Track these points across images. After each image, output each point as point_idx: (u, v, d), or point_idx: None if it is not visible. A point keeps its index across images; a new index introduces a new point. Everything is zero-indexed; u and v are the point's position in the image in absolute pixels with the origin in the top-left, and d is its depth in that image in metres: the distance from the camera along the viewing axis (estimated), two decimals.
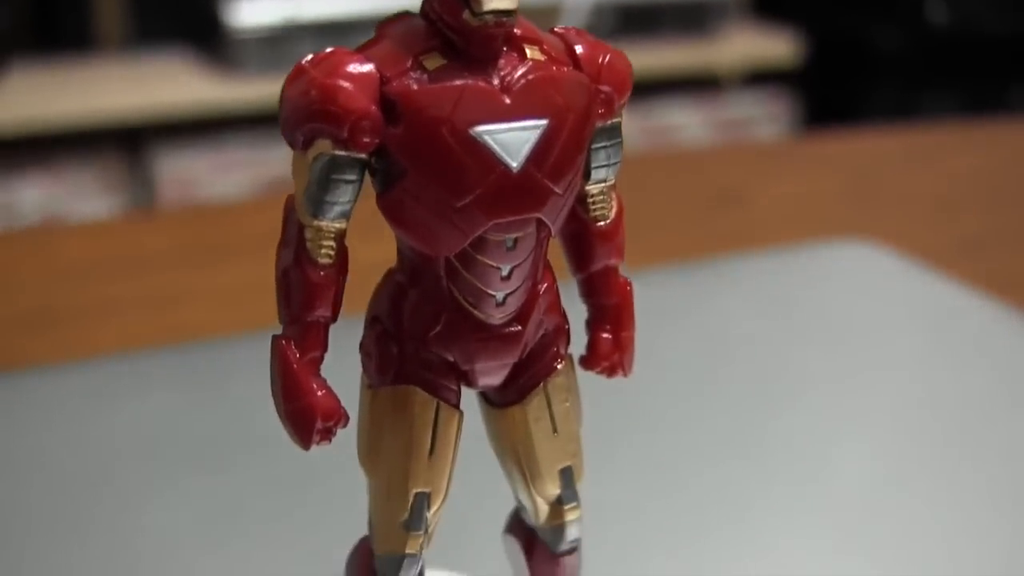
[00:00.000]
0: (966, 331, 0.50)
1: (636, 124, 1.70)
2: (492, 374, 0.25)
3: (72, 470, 0.39)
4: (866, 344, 0.49)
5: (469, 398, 0.26)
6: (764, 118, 1.81)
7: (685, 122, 1.76)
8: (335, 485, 0.31)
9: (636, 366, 0.46)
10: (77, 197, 1.47)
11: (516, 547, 0.28)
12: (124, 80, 1.58)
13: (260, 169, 1.54)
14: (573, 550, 0.28)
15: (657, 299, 0.52)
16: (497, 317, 0.24)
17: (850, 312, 0.52)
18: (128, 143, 1.59)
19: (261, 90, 1.51)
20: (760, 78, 1.85)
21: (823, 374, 0.46)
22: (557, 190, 0.23)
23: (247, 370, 0.44)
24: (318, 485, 0.38)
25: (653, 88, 1.76)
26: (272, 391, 0.24)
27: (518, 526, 0.28)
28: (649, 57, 1.66)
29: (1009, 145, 0.92)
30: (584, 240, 0.26)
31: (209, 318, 0.61)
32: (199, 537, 0.36)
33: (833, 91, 1.86)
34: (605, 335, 0.26)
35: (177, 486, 0.38)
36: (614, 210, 0.26)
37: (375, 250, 0.27)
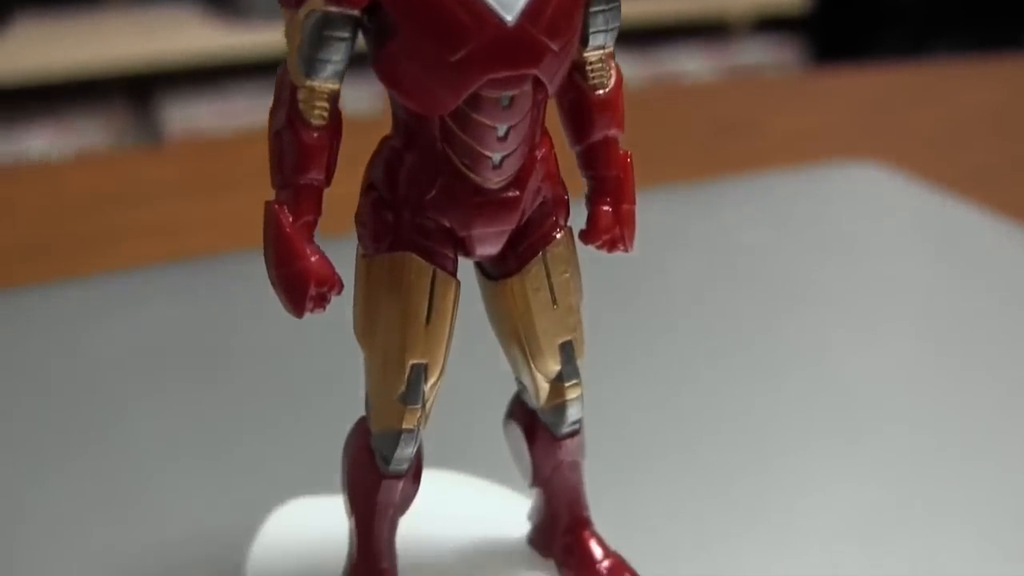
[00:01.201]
0: (975, 248, 0.49)
1: (645, 70, 1.69)
2: (489, 242, 0.25)
3: (70, 379, 0.39)
4: (876, 260, 0.49)
5: (469, 281, 0.26)
6: (772, 64, 1.81)
7: (694, 68, 1.75)
8: (331, 394, 0.31)
9: (645, 279, 0.46)
10: (85, 148, 1.47)
11: (517, 433, 0.28)
12: (131, 29, 1.57)
13: (266, 116, 1.53)
14: (575, 432, 0.27)
15: (666, 216, 0.52)
16: (494, 181, 0.24)
17: (860, 230, 0.52)
18: (135, 92, 1.58)
19: (268, 38, 1.51)
20: (769, 24, 1.84)
21: (832, 287, 0.46)
22: (553, 47, 0.22)
23: (245, 285, 0.45)
24: (314, 394, 0.38)
25: (662, 34, 1.74)
26: (265, 257, 0.23)
27: (519, 411, 0.28)
28: (658, 3, 1.65)
29: (1017, 79, 0.91)
30: (583, 109, 0.25)
31: (213, 246, 0.60)
32: (195, 441, 0.36)
33: (842, 37, 1.85)
34: (605, 208, 0.25)
35: (173, 393, 0.38)
36: (613, 79, 0.25)
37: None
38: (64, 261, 0.60)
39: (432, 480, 0.28)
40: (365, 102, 0.96)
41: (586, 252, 0.26)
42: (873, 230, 0.52)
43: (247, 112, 1.54)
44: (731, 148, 0.77)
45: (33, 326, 0.42)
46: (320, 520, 0.31)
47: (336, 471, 0.28)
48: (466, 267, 0.26)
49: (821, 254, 0.49)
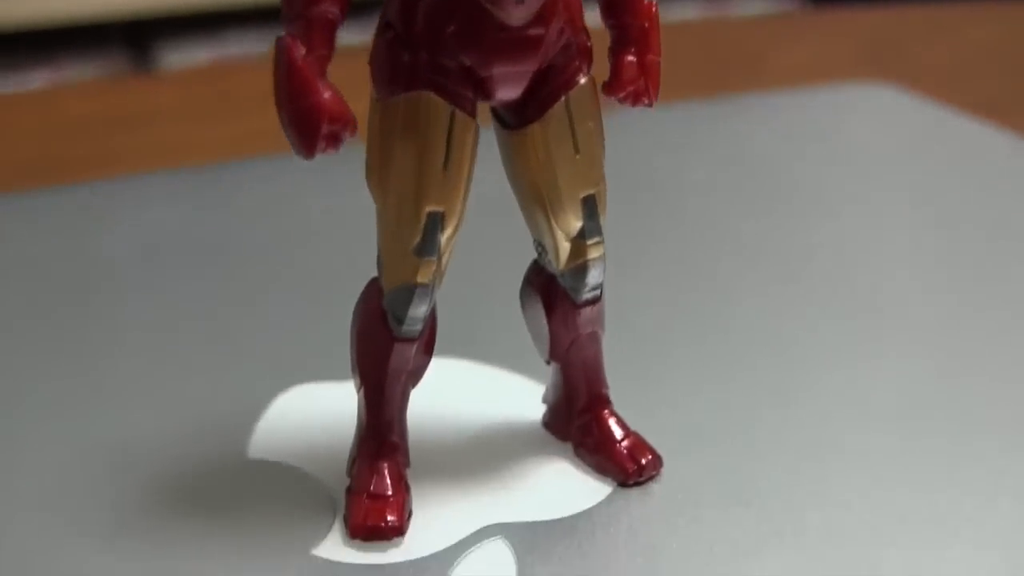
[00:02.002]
0: (989, 162, 0.48)
1: None
2: (510, 83, 0.23)
3: (74, 276, 0.38)
4: (888, 172, 0.48)
5: (486, 149, 0.24)
6: (772, 15, 1.79)
7: (688, 17, 1.74)
8: (334, 287, 0.30)
9: (657, 188, 0.45)
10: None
11: (535, 301, 0.27)
12: None
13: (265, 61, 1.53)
14: (596, 300, 0.26)
15: (677, 128, 0.51)
16: (516, 16, 0.23)
17: (873, 144, 0.51)
18: (133, 37, 1.58)
19: None
20: None
21: (844, 194, 0.45)
22: None
23: (247, 189, 0.45)
24: (317, 287, 0.37)
25: None
26: (275, 94, 0.22)
27: (537, 278, 0.27)
28: None
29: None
30: None
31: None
32: (198, 331, 0.35)
33: None
34: (630, 58, 0.24)
35: (178, 287, 0.37)
36: None
37: None
38: (63, 180, 0.59)
39: (443, 368, 0.27)
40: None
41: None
42: (885, 144, 0.51)
43: (242, 58, 1.53)
44: (735, 80, 0.75)
45: (37, 227, 0.42)
46: (325, 404, 0.30)
47: (340, 359, 0.27)
48: (485, 132, 0.24)
49: (833, 165, 0.48)
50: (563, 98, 0.24)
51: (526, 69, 0.23)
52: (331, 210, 0.42)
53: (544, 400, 0.29)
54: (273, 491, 0.27)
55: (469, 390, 0.31)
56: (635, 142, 0.46)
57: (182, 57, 1.55)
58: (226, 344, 0.34)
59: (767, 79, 0.76)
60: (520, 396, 0.30)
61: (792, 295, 0.36)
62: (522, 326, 0.28)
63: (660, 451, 0.28)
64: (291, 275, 0.38)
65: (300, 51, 0.22)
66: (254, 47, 1.55)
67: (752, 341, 0.33)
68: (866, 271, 0.38)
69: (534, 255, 0.27)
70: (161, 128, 0.67)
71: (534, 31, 0.23)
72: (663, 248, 0.40)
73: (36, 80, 1.45)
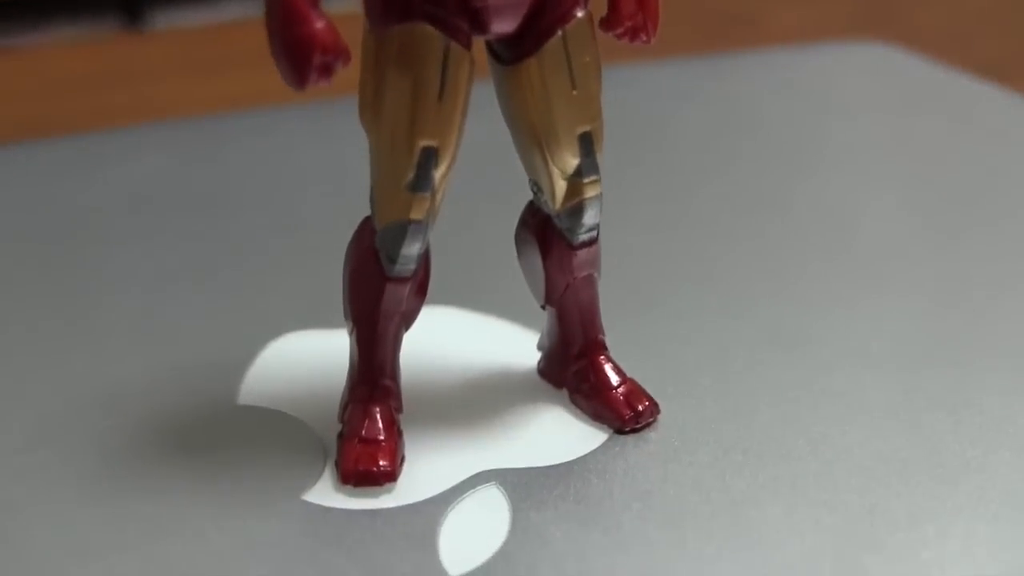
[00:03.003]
0: (984, 118, 0.48)
1: None
2: (506, 15, 0.23)
3: (63, 224, 0.38)
4: (882, 129, 0.47)
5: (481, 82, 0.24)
6: None
7: None
8: (324, 237, 0.30)
9: (655, 140, 0.45)
10: None
11: (530, 242, 0.26)
12: None
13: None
14: (592, 241, 0.26)
15: (674, 83, 0.51)
16: None
17: (871, 99, 0.51)
18: (125, 5, 1.56)
19: None
20: None
21: (839, 151, 0.45)
22: None
23: (237, 140, 0.44)
24: (308, 236, 0.37)
25: None
26: (266, 24, 0.22)
27: (533, 219, 0.26)
28: None
29: None
30: None
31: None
32: (188, 279, 0.35)
33: None
34: None
35: (168, 236, 0.37)
36: None
37: None
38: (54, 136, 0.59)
39: (436, 316, 0.28)
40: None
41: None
42: (881, 101, 0.51)
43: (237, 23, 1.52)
44: (731, 40, 0.75)
45: (28, 178, 0.42)
46: (317, 352, 0.30)
47: (331, 306, 0.26)
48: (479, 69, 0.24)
49: (828, 120, 0.48)
50: (559, 32, 0.24)
51: (521, 0, 0.23)
52: (323, 161, 0.41)
53: (539, 347, 0.29)
54: (263, 437, 0.27)
55: (463, 337, 0.31)
56: (629, 95, 0.45)
57: (175, 23, 1.54)
58: (217, 292, 0.33)
59: (767, 37, 0.76)
60: (515, 343, 0.30)
61: (788, 243, 0.36)
62: (517, 273, 0.28)
63: (657, 398, 0.27)
64: (283, 225, 0.38)
65: None
66: (247, 12, 1.54)
67: (749, 288, 0.33)
68: (862, 221, 0.38)
69: (529, 198, 0.26)
70: (153, 85, 0.67)
71: None
72: (659, 198, 0.39)
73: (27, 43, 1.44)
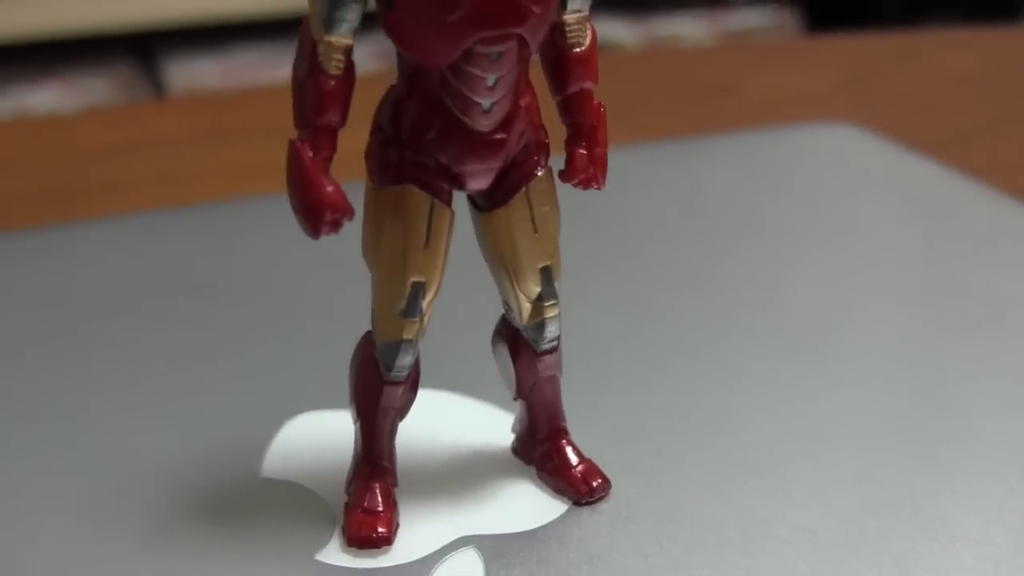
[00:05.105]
0: (939, 203, 0.52)
1: (638, 33, 1.71)
2: (480, 177, 0.29)
3: (87, 309, 0.43)
4: (842, 213, 0.52)
5: (462, 223, 0.30)
6: (768, 31, 1.82)
7: (688, 33, 1.77)
8: (333, 323, 0.36)
9: (620, 227, 0.49)
10: (89, 105, 1.49)
11: (503, 349, 0.32)
12: None
13: (269, 74, 1.55)
14: (553, 349, 0.31)
15: (643, 169, 0.55)
16: (484, 124, 0.28)
17: (831, 186, 0.55)
18: (139, 49, 1.60)
19: None
20: None
21: (799, 237, 0.49)
22: (535, 10, 0.26)
23: (254, 226, 0.49)
24: (318, 322, 0.42)
25: None
26: (287, 187, 0.27)
27: (505, 330, 0.32)
28: None
29: (1003, 46, 0.93)
30: (562, 65, 0.29)
31: (221, 191, 0.63)
32: (208, 363, 0.39)
33: (838, 4, 1.86)
34: (581, 151, 0.29)
35: (187, 322, 0.42)
36: (589, 38, 0.29)
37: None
38: (78, 207, 0.62)
39: (427, 399, 0.32)
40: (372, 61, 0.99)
41: (569, 196, 0.30)
42: (841, 186, 0.55)
43: (248, 69, 1.56)
44: (712, 110, 0.79)
45: (51, 263, 0.46)
46: (327, 430, 0.35)
47: (340, 390, 0.32)
48: (461, 210, 0.29)
49: (791, 207, 0.52)
50: (524, 188, 0.29)
51: (492, 166, 0.29)
52: (334, 248, 0.47)
53: (512, 429, 0.34)
54: (282, 505, 0.32)
55: (449, 419, 0.36)
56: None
57: (188, 69, 1.58)
58: (240, 375, 0.39)
59: (745, 109, 0.79)
60: (492, 425, 0.35)
61: (734, 328, 0.41)
62: (494, 366, 0.33)
63: (609, 475, 0.33)
64: (296, 312, 0.43)
65: (308, 153, 0.27)
66: (258, 59, 1.59)
67: (699, 375, 0.38)
68: (815, 304, 0.43)
69: (502, 311, 0.32)
70: (173, 154, 0.71)
71: (499, 135, 0.28)
72: (619, 284, 0.44)
73: (44, 92, 1.48)
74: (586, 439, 0.33)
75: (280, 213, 0.47)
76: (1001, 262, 0.46)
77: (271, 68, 1.57)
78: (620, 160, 0.54)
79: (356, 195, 0.28)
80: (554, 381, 0.32)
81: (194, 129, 0.78)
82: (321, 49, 0.27)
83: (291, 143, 0.27)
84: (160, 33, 1.57)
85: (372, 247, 0.29)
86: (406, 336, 0.29)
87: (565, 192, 0.30)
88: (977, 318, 0.42)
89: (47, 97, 1.49)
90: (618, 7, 1.74)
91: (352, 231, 0.29)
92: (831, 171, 0.57)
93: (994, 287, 0.44)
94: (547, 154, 0.30)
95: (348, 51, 0.27)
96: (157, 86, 1.55)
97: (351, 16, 0.26)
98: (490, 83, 0.27)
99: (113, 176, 0.68)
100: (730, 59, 0.98)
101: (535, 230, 0.29)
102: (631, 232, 0.49)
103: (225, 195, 0.60)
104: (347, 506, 0.31)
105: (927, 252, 0.47)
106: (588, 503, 0.32)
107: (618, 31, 1.71)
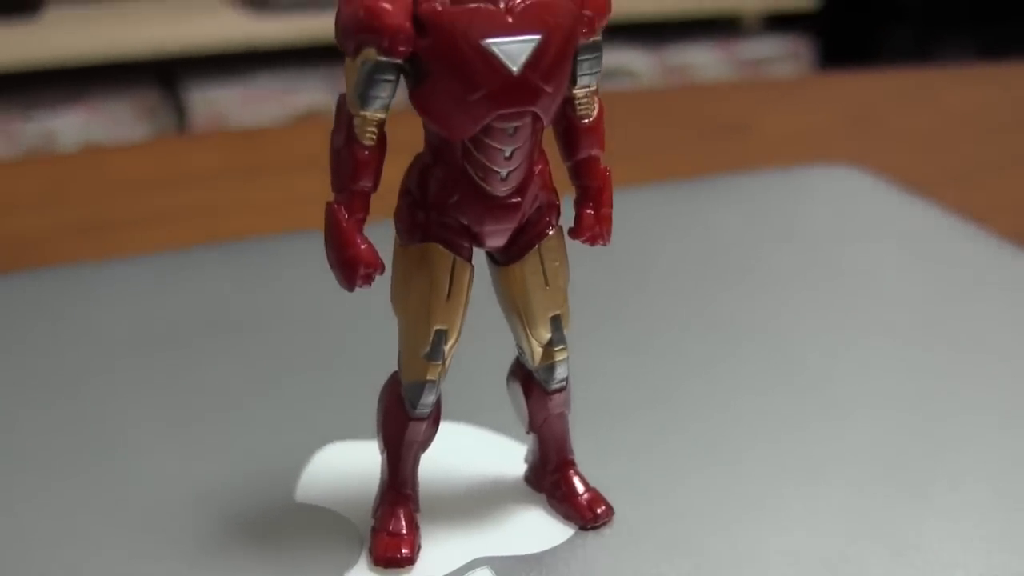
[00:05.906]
0: (938, 247, 0.54)
1: (654, 63, 1.74)
2: (497, 236, 0.32)
3: (122, 346, 0.45)
4: (842, 256, 0.53)
5: (481, 275, 0.33)
6: (782, 60, 1.84)
7: (703, 62, 1.80)
8: (360, 357, 0.38)
9: (627, 269, 0.52)
10: (113, 130, 1.51)
11: (517, 388, 0.35)
12: (159, 15, 1.61)
13: (289, 101, 1.58)
14: (562, 388, 0.34)
15: (650, 211, 0.58)
16: (501, 190, 0.31)
17: (832, 229, 0.56)
18: (163, 77, 1.63)
19: (291, 26, 1.55)
20: (780, 21, 1.88)
21: (800, 279, 0.51)
22: (548, 89, 0.29)
23: (284, 263, 0.52)
24: (347, 357, 0.44)
25: (673, 29, 1.79)
26: (325, 245, 0.30)
27: (518, 370, 0.35)
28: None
29: (1006, 83, 0.95)
30: (572, 134, 0.32)
31: (250, 227, 0.66)
32: (242, 395, 0.42)
33: (851, 36, 1.88)
34: (589, 211, 0.32)
35: (222, 357, 0.44)
36: (596, 110, 0.32)
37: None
38: (111, 241, 0.65)
39: (447, 430, 0.35)
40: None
41: (577, 247, 0.33)
42: (842, 228, 0.57)
43: (270, 98, 1.59)
44: (721, 149, 0.81)
45: (85, 300, 0.48)
46: (356, 460, 0.38)
47: (367, 422, 0.35)
48: (480, 262, 0.32)
49: (792, 249, 0.54)
50: (537, 246, 0.32)
51: (508, 226, 0.32)
52: (362, 293, 0.49)
53: (525, 460, 0.37)
54: (315, 528, 0.35)
55: (467, 450, 0.38)
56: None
57: (210, 97, 1.60)
58: (274, 408, 0.41)
59: (753, 148, 0.81)
60: (506, 455, 0.38)
61: (738, 364, 0.43)
62: (508, 402, 0.36)
63: (613, 503, 0.35)
64: (327, 348, 0.45)
65: (344, 215, 0.30)
66: (279, 85, 1.61)
67: (700, 409, 0.40)
68: (815, 343, 0.45)
69: (516, 354, 0.35)
70: (201, 190, 0.73)
71: (514, 199, 0.31)
72: (625, 322, 0.46)
73: (69, 118, 1.51)
74: (592, 469, 0.36)
75: (312, 250, 0.51)
76: (994, 306, 0.48)
77: (292, 94, 1.60)
78: (632, 201, 0.57)
79: (378, 233, 0.31)
80: (563, 417, 0.35)
81: (225, 163, 0.80)
82: (357, 122, 0.30)
83: (328, 205, 0.30)
84: (183, 60, 1.60)
85: (400, 297, 0.32)
86: (430, 377, 0.32)
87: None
88: (968, 360, 0.44)
89: (72, 121, 1.51)
90: (635, 37, 1.77)
91: (381, 280, 0.32)
92: (832, 213, 0.59)
93: (984, 330, 0.46)
94: (558, 213, 0.33)
95: (381, 124, 0.30)
96: (180, 111, 1.58)
97: (384, 94, 0.29)
98: (507, 154, 0.30)
99: (144, 210, 0.70)
100: (743, 96, 1.00)
101: (546, 283, 0.33)
102: (638, 271, 0.51)
103: (258, 230, 0.63)
104: (374, 529, 0.33)
105: (923, 295, 0.49)
106: (593, 528, 0.35)
107: (634, 60, 1.74)
